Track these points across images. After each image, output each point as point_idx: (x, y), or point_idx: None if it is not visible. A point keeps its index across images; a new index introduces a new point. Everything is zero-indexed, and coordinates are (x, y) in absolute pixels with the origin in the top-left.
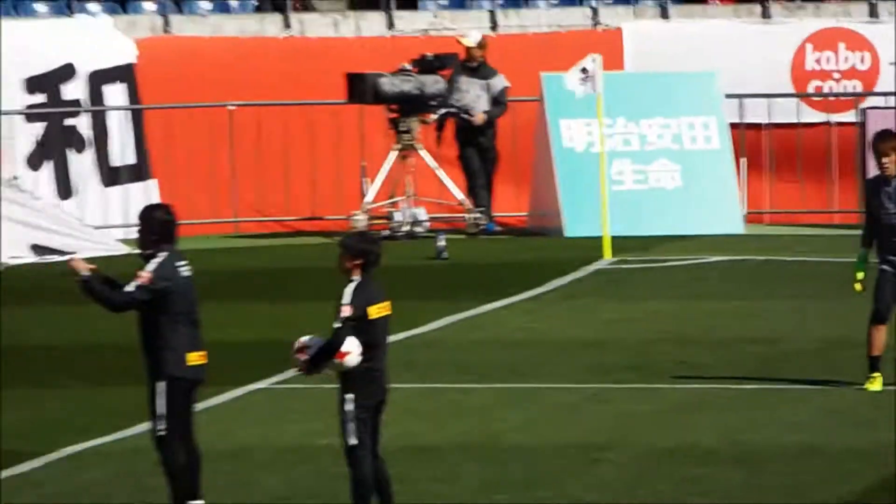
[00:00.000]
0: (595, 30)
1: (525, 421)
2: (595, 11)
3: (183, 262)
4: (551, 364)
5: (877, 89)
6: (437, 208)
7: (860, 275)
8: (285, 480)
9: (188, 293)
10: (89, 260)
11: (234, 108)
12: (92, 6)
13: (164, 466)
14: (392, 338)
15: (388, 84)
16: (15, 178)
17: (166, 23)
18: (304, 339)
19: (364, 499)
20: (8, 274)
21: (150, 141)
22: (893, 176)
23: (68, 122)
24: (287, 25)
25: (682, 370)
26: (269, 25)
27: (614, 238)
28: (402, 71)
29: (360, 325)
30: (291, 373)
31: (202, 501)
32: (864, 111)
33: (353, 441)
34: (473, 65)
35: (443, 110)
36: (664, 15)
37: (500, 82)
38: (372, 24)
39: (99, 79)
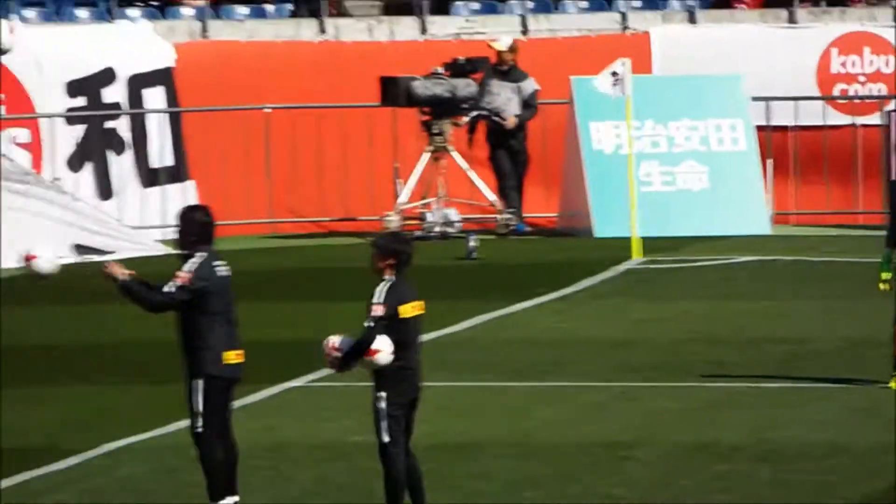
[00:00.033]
0: (624, 34)
1: (554, 419)
2: (624, 16)
3: (220, 262)
4: (580, 363)
5: None
6: (469, 209)
7: (885, 275)
8: (319, 476)
9: (225, 293)
10: (128, 260)
11: (269, 110)
12: (132, 12)
13: (202, 462)
14: (424, 337)
15: (421, 87)
16: (56, 179)
17: (204, 28)
18: (334, 337)
19: (397, 495)
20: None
21: (187, 143)
22: None
23: (108, 124)
24: (322, 30)
25: (710, 369)
26: (305, 30)
27: (643, 239)
28: (435, 74)
29: (391, 324)
30: (326, 371)
31: (237, 497)
32: (888, 114)
33: (386, 438)
34: (504, 68)
35: (474, 113)
36: (692, 20)
37: (530, 85)
38: (405, 28)
39: (138, 82)
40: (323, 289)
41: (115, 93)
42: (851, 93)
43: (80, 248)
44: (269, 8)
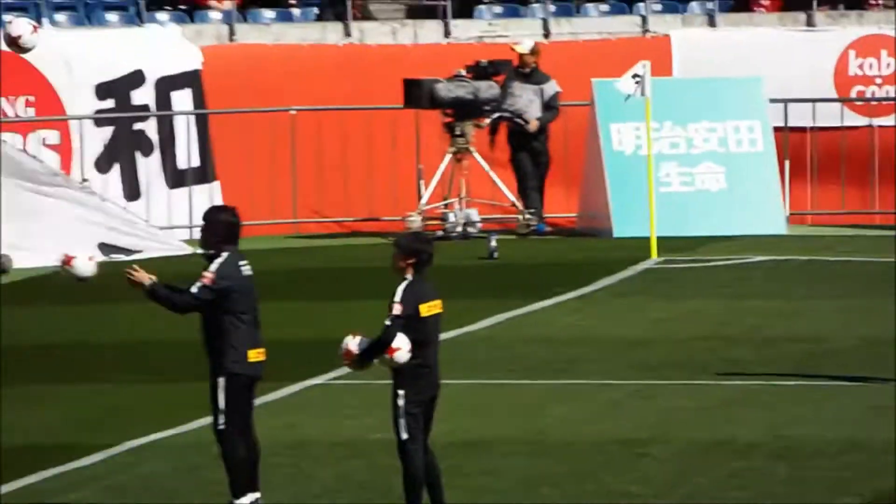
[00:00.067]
0: (644, 37)
1: (571, 416)
2: (644, 19)
3: (244, 262)
4: (597, 361)
5: None
6: (490, 209)
7: None
8: (340, 474)
9: (249, 292)
10: (154, 260)
11: (295, 112)
12: (161, 16)
13: (224, 459)
14: (444, 335)
15: (444, 89)
16: (85, 180)
17: (231, 31)
18: (351, 340)
19: (415, 492)
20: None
21: (214, 144)
22: None
23: (136, 126)
24: (347, 33)
25: (726, 367)
26: (330, 33)
27: (661, 238)
28: (458, 77)
29: (410, 323)
30: (347, 369)
31: (259, 494)
32: None
33: (404, 436)
34: (526, 71)
35: (496, 115)
36: (711, 23)
37: (552, 87)
38: (429, 31)
39: (166, 85)
40: (346, 288)
41: (143, 95)
42: (868, 95)
43: (107, 248)
44: (296, 12)
